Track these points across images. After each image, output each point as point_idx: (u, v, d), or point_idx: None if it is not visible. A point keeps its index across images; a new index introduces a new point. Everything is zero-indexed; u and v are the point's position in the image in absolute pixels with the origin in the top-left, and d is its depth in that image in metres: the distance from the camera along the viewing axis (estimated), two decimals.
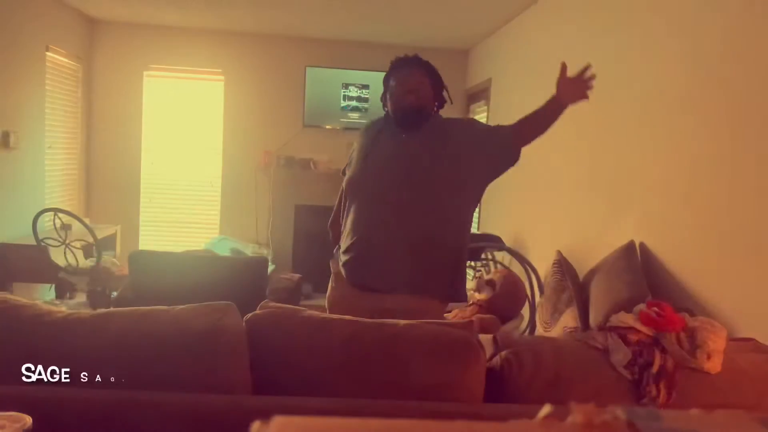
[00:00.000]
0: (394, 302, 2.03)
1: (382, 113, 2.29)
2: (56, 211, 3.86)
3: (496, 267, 4.24)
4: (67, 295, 3.92)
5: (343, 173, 2.33)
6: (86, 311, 1.51)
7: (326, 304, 2.34)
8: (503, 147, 2.10)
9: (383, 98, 2.24)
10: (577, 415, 0.42)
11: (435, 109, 2.19)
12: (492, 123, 4.83)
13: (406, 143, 2.15)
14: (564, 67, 2.04)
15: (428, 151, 2.11)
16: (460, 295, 2.17)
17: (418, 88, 2.13)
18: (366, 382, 1.44)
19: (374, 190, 2.15)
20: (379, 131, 2.23)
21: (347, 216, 2.22)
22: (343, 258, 2.21)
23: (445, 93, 2.20)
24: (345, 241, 2.21)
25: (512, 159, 2.12)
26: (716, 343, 1.58)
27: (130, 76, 5.65)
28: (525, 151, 2.10)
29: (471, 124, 2.35)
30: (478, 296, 3.82)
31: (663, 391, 1.54)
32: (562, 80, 2.04)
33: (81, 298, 3.86)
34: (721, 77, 2.16)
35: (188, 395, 1.37)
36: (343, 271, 2.21)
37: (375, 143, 2.20)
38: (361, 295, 2.14)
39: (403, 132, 2.17)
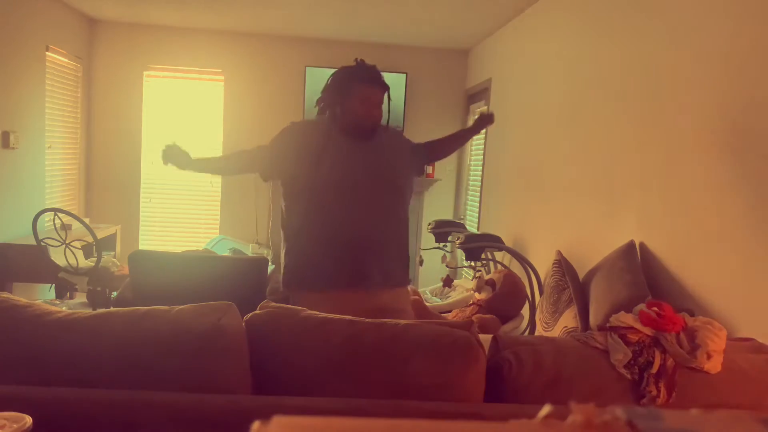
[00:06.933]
0: (379, 299, 2.30)
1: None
2: (56, 211, 3.86)
3: (496, 267, 4.24)
4: (67, 295, 3.93)
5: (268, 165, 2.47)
6: (86, 311, 1.51)
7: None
8: (421, 163, 2.63)
9: (330, 100, 2.36)
10: (577, 415, 0.42)
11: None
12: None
13: (363, 150, 2.35)
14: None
15: (383, 157, 2.38)
16: (408, 281, 2.53)
17: (379, 109, 2.36)
18: (366, 382, 1.44)
19: (343, 195, 2.29)
20: (323, 136, 2.33)
21: (308, 220, 2.32)
22: (322, 261, 2.30)
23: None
24: (318, 245, 2.31)
25: (422, 173, 2.72)
26: (716, 343, 1.58)
27: (130, 76, 5.66)
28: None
29: (403, 138, 2.63)
30: (478, 296, 3.82)
31: (663, 391, 1.54)
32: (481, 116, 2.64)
33: (81, 298, 3.86)
34: (721, 76, 2.16)
35: (188, 395, 1.37)
36: (316, 276, 2.30)
37: (326, 149, 2.30)
38: (347, 296, 2.27)
39: (355, 140, 2.34)
